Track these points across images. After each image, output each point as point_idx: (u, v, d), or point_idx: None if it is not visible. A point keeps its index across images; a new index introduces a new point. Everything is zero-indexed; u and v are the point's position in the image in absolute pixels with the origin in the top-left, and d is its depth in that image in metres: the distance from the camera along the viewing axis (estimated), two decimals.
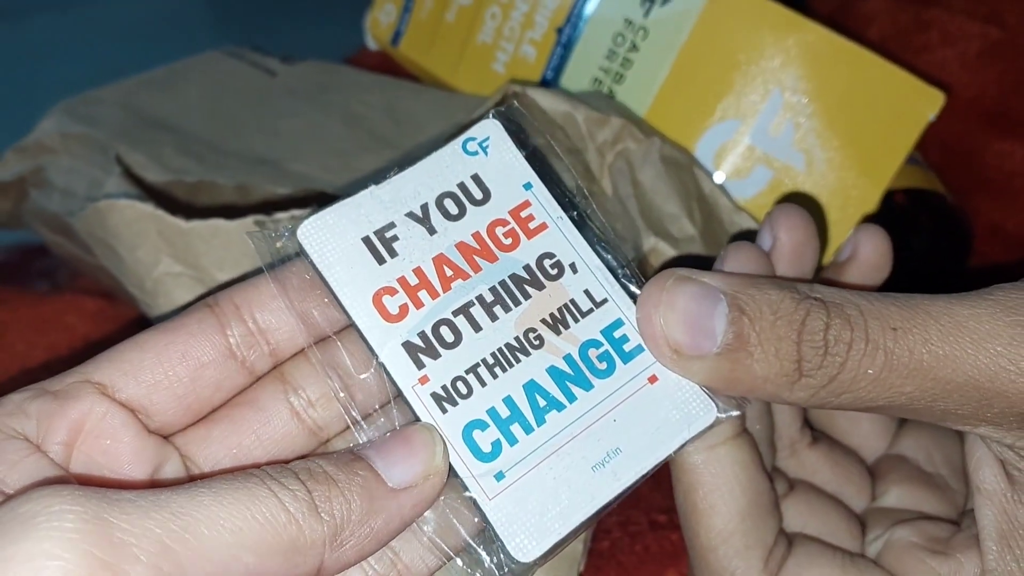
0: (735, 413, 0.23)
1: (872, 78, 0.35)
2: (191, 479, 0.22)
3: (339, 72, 0.44)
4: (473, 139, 0.25)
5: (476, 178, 0.25)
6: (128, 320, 0.40)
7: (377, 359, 0.23)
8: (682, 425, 0.23)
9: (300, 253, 0.23)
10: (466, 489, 0.22)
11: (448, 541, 0.22)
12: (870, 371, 0.21)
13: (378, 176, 0.24)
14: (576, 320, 0.24)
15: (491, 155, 0.25)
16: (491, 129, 0.25)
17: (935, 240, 0.40)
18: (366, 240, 0.23)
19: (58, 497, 0.17)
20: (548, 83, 0.38)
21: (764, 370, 0.22)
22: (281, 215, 0.28)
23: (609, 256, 0.25)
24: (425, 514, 0.22)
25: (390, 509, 0.21)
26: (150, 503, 0.17)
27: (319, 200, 0.32)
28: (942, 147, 0.42)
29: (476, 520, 0.22)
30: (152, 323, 0.30)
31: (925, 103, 0.35)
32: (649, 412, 0.23)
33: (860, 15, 0.43)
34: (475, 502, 0.22)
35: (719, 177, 0.37)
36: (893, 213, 0.38)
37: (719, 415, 0.23)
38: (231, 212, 0.30)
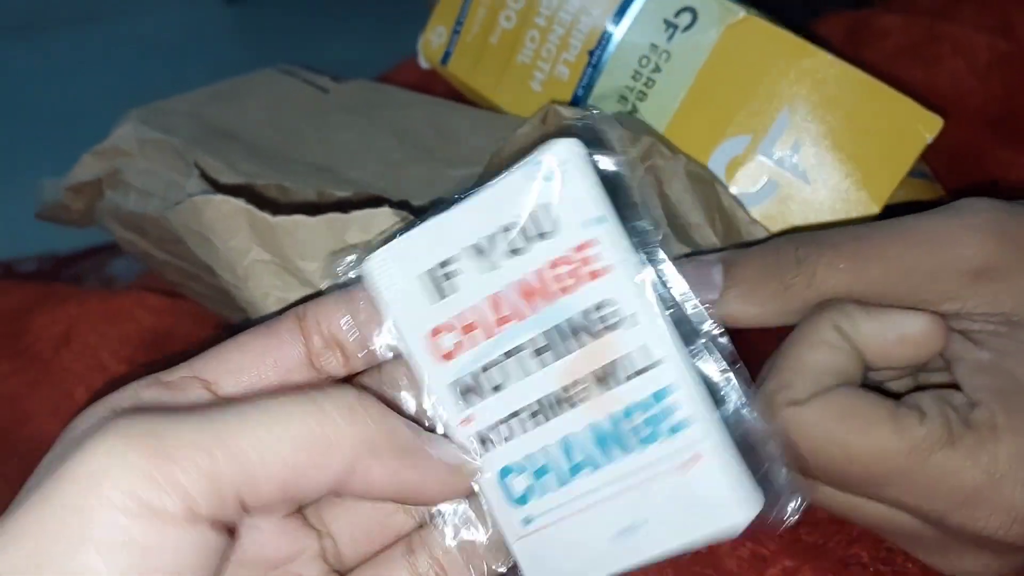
0: (793, 505, 0.23)
1: (875, 102, 0.39)
2: None
3: (385, 90, 0.48)
4: (545, 162, 0.23)
5: (545, 208, 0.23)
6: (189, 314, 0.43)
7: (428, 394, 0.24)
8: (718, 513, 0.22)
9: (367, 282, 0.25)
10: (496, 525, 0.24)
11: (482, 566, 0.25)
12: (841, 265, 0.28)
13: (444, 202, 0.24)
14: (627, 378, 0.23)
15: (565, 181, 0.23)
16: (569, 152, 0.23)
17: None
18: (429, 274, 0.24)
19: (118, 417, 0.20)
20: (579, 100, 0.42)
21: (756, 295, 0.29)
22: (358, 213, 0.32)
23: (673, 310, 0.24)
24: (467, 536, 0.25)
25: (424, 467, 0.23)
26: (198, 414, 0.21)
27: (379, 202, 0.35)
28: (949, 154, 0.45)
29: (505, 553, 0.24)
30: (238, 302, 0.33)
31: (924, 126, 0.39)
32: (686, 491, 0.22)
33: (876, 29, 0.47)
34: (503, 538, 0.23)
35: (729, 189, 0.40)
36: None
37: (763, 510, 0.22)
38: (305, 210, 0.33)
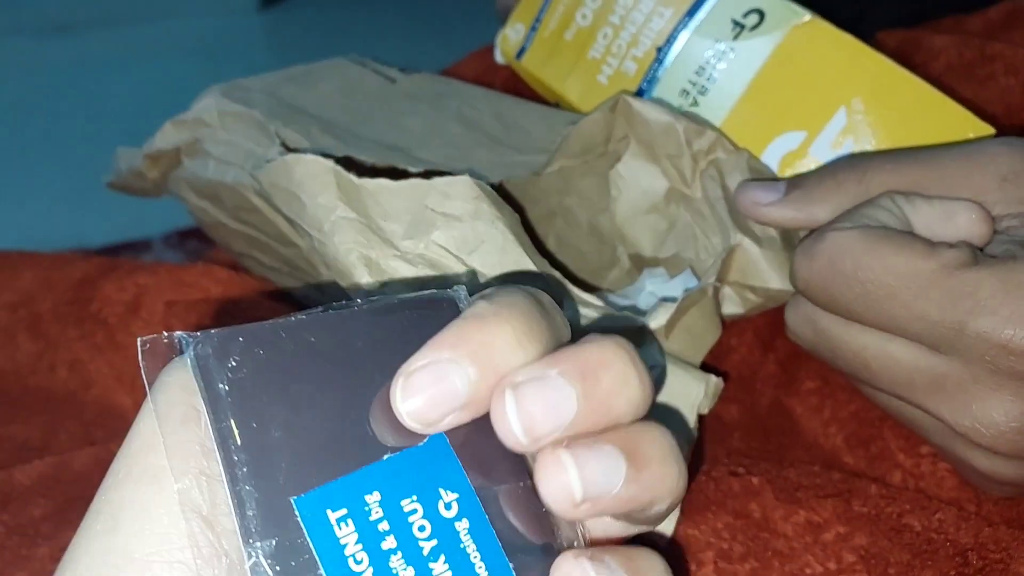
0: None
1: (929, 108, 0.40)
2: None
3: (450, 83, 0.49)
4: None
5: None
6: (251, 287, 0.45)
7: None
8: None
9: None
10: None
11: None
12: (888, 166, 0.33)
13: None
14: None
15: None
16: None
17: None
18: None
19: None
20: (643, 92, 0.44)
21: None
22: (438, 179, 0.33)
23: None
24: None
25: None
26: None
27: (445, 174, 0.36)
28: None
29: None
30: (323, 258, 0.34)
31: (975, 134, 0.40)
32: None
33: (928, 48, 0.48)
34: None
35: None
36: None
37: None
38: (386, 176, 0.35)
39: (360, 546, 0.19)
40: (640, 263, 0.45)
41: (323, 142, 0.40)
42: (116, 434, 0.41)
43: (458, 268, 0.33)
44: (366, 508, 0.20)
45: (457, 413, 0.21)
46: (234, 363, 0.20)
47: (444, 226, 0.33)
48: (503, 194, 0.42)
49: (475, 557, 0.20)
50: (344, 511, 0.19)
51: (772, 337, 0.41)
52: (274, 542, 0.19)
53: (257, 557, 0.19)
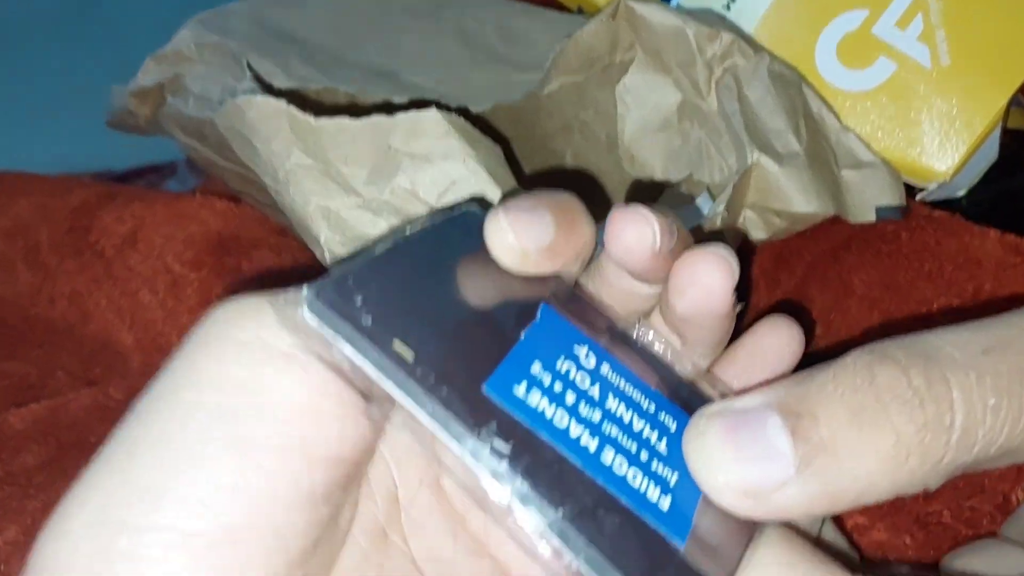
0: None
1: None
2: None
3: None
4: None
5: None
6: (254, 218, 0.43)
7: None
8: None
9: None
10: None
11: None
12: (991, 400, 0.17)
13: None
14: None
15: None
16: None
17: None
18: None
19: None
20: None
21: (862, 462, 0.17)
22: (403, 115, 0.30)
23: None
24: None
25: None
26: None
27: (426, 105, 0.33)
28: None
29: None
30: (280, 207, 0.32)
31: None
32: None
33: None
34: None
35: (839, 68, 0.37)
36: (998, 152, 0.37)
37: None
38: (353, 112, 0.32)
39: (553, 406, 0.21)
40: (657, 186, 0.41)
41: (302, 72, 0.37)
42: (113, 372, 0.40)
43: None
44: (537, 377, 0.21)
45: (542, 256, 0.23)
46: (360, 299, 0.20)
47: (410, 168, 0.30)
48: (499, 117, 0.39)
49: (628, 389, 0.23)
50: (524, 384, 0.21)
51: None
52: (494, 424, 0.20)
53: (490, 442, 0.19)
